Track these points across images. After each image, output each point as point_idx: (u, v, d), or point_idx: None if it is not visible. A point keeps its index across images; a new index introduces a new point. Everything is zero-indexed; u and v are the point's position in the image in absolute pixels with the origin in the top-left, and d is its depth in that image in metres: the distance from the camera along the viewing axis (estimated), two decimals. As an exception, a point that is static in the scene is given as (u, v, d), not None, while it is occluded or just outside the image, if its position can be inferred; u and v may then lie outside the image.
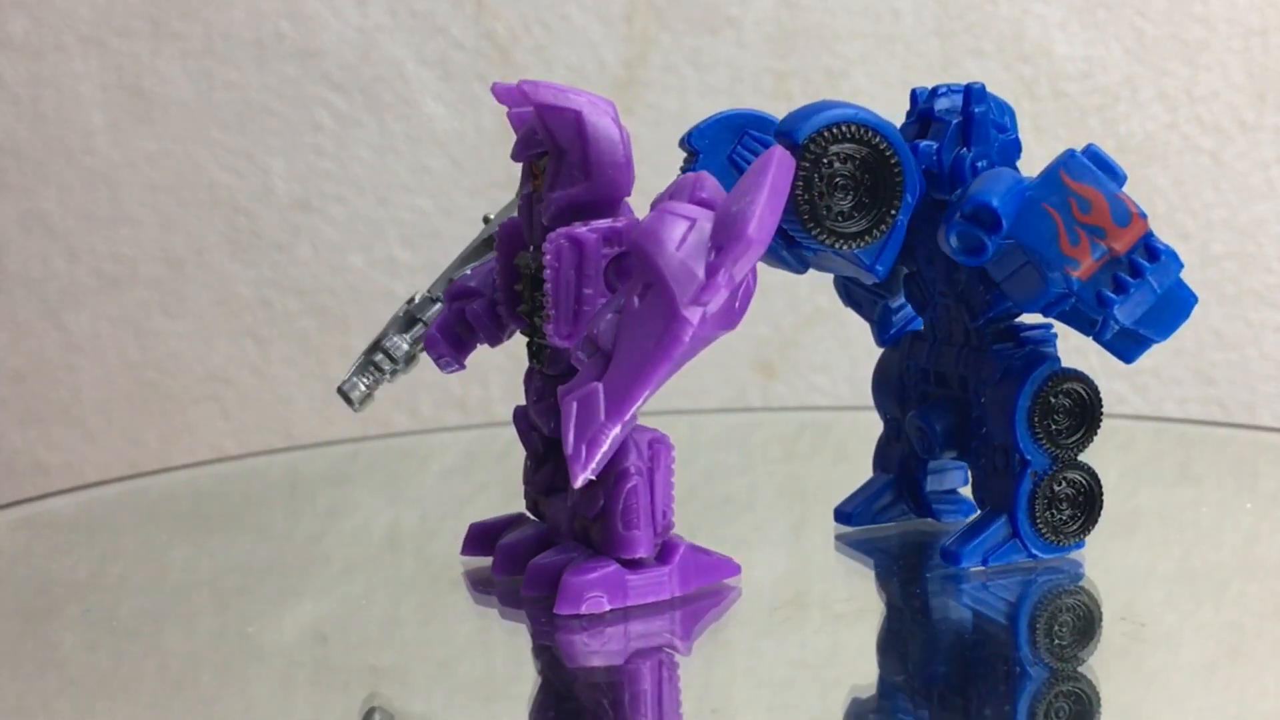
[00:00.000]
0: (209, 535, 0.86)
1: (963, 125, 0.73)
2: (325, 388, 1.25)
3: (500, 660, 0.69)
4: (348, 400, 0.81)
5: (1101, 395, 0.74)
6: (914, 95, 0.76)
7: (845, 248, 0.72)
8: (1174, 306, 0.71)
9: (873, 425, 0.82)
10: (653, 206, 0.68)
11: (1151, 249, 0.70)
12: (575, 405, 0.64)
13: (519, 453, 0.75)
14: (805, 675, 0.66)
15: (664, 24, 1.23)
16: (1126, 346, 0.72)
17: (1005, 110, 0.75)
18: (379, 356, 0.81)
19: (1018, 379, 0.73)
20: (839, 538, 0.80)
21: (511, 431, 0.75)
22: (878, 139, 0.71)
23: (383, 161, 1.25)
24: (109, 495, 0.95)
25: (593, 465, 0.64)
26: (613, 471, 0.69)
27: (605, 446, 0.64)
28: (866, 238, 0.72)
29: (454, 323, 0.75)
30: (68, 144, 1.25)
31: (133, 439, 1.27)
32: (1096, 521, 0.74)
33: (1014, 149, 0.74)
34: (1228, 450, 1.02)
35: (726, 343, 1.25)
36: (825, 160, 0.71)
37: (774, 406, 1.26)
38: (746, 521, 0.87)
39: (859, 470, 0.82)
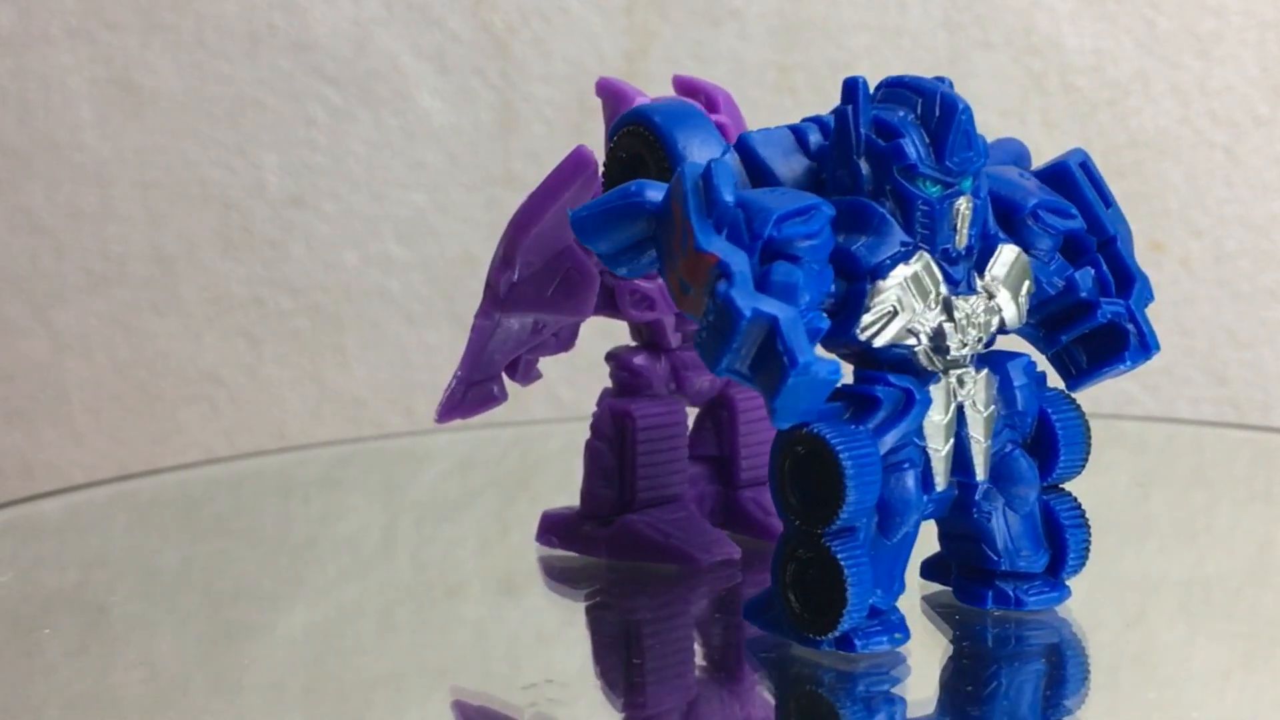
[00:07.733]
0: (200, 539, 0.86)
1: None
2: (319, 388, 1.25)
3: (498, 666, 0.68)
4: None
5: (845, 471, 0.56)
6: None
7: None
8: (777, 372, 0.53)
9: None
10: None
11: (714, 293, 0.53)
12: None
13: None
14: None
15: (665, 16, 1.23)
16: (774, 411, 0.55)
17: (926, 118, 0.58)
18: None
19: None
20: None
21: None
22: (653, 139, 0.62)
23: (378, 157, 1.25)
24: (97, 498, 0.95)
25: (438, 407, 0.72)
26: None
27: (445, 395, 0.72)
28: None
29: None
30: (55, 139, 1.25)
31: (122, 440, 1.27)
32: (823, 632, 0.59)
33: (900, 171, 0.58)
34: (1241, 453, 1.02)
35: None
36: (613, 163, 0.63)
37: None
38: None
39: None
